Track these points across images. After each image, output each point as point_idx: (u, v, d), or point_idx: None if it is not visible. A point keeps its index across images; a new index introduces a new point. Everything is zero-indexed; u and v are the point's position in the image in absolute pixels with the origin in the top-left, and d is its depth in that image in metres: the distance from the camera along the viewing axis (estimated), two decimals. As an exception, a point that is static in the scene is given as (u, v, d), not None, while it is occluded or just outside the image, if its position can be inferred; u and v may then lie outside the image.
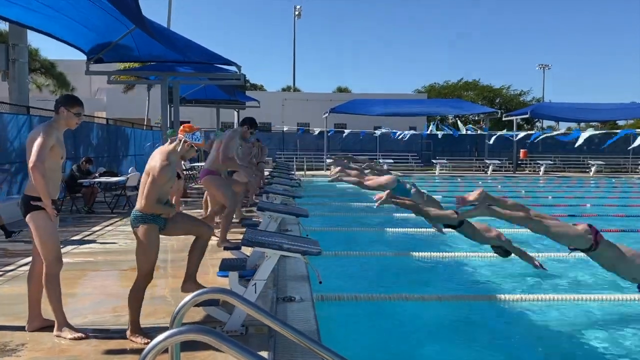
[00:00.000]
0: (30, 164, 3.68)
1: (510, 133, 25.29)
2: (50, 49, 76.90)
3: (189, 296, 2.64)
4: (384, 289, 6.10)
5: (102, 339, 3.82)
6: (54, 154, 3.81)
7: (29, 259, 6.21)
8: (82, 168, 10.63)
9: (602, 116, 30.74)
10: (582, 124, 42.82)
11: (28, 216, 3.82)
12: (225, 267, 4.87)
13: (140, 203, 3.93)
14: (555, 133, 25.40)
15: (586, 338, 5.01)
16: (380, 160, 27.14)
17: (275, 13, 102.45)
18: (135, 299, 3.82)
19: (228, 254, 5.75)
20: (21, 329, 3.96)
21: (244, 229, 4.90)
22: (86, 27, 9.43)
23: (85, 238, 7.71)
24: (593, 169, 27.07)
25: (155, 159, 3.94)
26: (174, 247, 7.17)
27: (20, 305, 4.51)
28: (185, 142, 4.07)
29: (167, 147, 4.09)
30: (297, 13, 47.25)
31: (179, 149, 4.07)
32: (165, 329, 2.21)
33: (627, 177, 25.85)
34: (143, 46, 11.05)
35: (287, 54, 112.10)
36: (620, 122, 42.67)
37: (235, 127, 26.01)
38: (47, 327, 3.93)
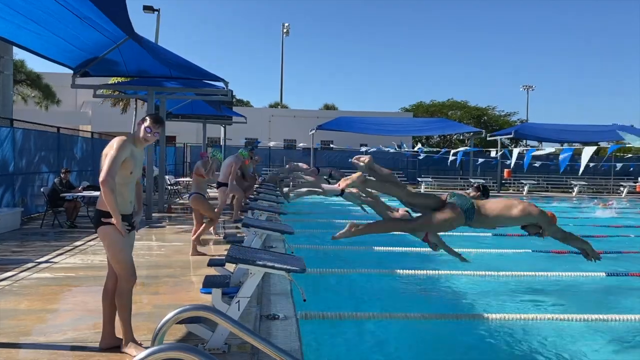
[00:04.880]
0: (100, 179, 3.60)
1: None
2: (36, 60, 76.51)
3: (170, 313, 2.62)
4: (368, 307, 6.08)
5: (81, 356, 3.75)
6: (124, 168, 3.73)
7: (7, 274, 6.13)
8: (63, 180, 10.50)
9: (584, 138, 31.23)
10: (565, 145, 43.43)
11: (99, 230, 3.76)
12: (209, 283, 4.83)
13: None
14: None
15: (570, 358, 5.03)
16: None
17: (264, 30, 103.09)
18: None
19: (211, 270, 5.71)
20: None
21: (229, 245, 4.87)
22: (74, 45, 9.36)
23: (67, 253, 7.60)
24: (576, 189, 27.42)
25: None
26: (155, 263, 7.11)
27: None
28: None
29: None
30: (285, 30, 47.61)
31: None
32: (147, 346, 2.18)
33: (608, 197, 26.17)
34: (130, 61, 11.03)
35: (275, 70, 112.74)
36: (602, 144, 43.35)
37: (221, 142, 26.07)
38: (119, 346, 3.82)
